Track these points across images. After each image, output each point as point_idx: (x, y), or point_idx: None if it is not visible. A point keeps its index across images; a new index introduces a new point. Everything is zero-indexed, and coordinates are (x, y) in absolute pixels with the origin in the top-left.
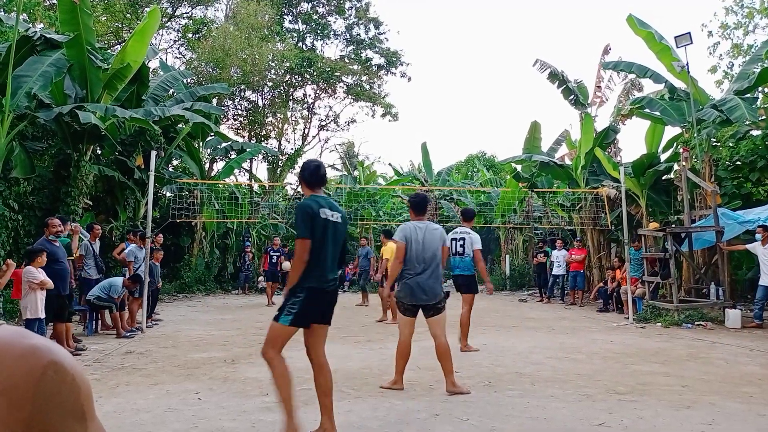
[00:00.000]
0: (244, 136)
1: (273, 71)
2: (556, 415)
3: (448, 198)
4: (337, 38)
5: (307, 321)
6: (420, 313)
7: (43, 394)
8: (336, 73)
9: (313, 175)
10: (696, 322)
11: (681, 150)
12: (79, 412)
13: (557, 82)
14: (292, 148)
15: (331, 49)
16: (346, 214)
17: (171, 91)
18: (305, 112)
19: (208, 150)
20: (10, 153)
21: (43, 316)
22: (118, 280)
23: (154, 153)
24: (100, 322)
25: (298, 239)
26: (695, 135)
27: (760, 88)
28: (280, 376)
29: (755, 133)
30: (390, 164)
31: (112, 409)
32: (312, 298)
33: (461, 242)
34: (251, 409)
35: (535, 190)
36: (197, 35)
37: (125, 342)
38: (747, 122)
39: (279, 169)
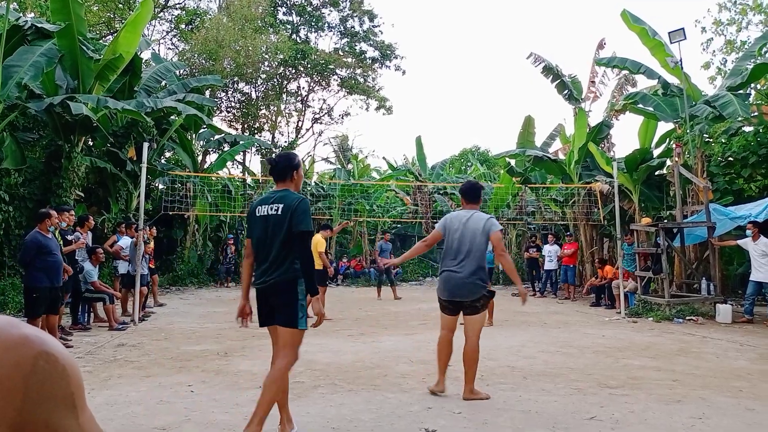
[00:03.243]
0: (237, 129)
1: (266, 63)
2: (547, 408)
3: (441, 192)
4: (331, 30)
5: (261, 320)
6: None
7: (34, 385)
8: (330, 66)
9: (270, 170)
10: (687, 317)
11: (674, 146)
12: (70, 401)
13: (551, 77)
14: (285, 141)
15: (325, 42)
16: (292, 203)
17: (163, 83)
18: (299, 105)
19: (201, 142)
20: (1, 144)
21: None
22: (87, 264)
23: (146, 145)
24: (92, 314)
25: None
26: (688, 131)
27: (752, 85)
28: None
29: (747, 129)
30: (384, 158)
31: (104, 402)
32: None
33: None
34: (244, 401)
35: (529, 185)
36: (190, 26)
37: (117, 334)
38: (739, 118)
39: None
